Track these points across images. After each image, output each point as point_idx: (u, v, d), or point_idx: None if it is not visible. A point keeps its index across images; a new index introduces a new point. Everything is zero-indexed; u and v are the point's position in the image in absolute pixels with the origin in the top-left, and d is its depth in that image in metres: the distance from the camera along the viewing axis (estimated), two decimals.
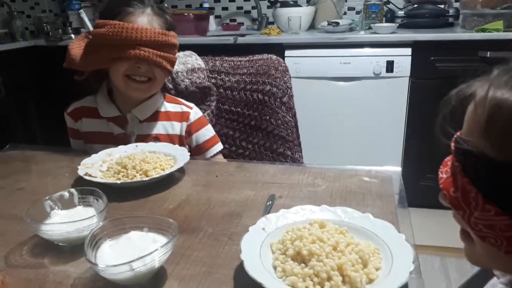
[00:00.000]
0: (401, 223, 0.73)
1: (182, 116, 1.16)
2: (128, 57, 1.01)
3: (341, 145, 2.32)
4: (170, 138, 1.14)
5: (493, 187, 0.41)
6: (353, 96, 2.25)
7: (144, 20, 1.03)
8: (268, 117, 1.33)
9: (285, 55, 2.26)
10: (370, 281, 0.56)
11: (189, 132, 1.17)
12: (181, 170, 0.97)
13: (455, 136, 0.47)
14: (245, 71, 1.35)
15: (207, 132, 1.18)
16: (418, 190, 2.35)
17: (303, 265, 0.58)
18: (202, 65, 1.36)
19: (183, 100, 1.20)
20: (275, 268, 0.60)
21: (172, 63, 1.09)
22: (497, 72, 0.44)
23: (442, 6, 2.43)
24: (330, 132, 2.32)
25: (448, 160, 0.50)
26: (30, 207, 0.71)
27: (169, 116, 1.16)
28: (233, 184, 0.91)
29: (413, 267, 0.56)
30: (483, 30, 2.10)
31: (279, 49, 2.24)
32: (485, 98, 0.42)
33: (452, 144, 0.47)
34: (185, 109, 1.17)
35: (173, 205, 0.83)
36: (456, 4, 2.59)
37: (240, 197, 0.85)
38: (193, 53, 1.38)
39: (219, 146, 1.20)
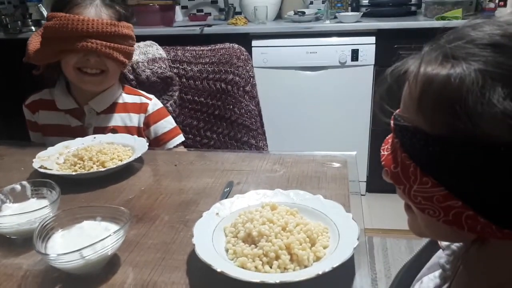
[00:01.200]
0: (354, 205, 0.75)
1: (141, 108, 1.15)
2: (76, 50, 1.00)
3: (308, 133, 2.35)
4: (128, 130, 1.13)
5: (428, 160, 0.43)
6: (319, 85, 2.28)
7: (92, 12, 1.01)
8: (231, 106, 1.34)
9: (252, 45, 2.26)
10: (318, 258, 0.58)
11: (147, 123, 1.16)
12: (140, 161, 0.96)
13: (394, 114, 0.49)
14: (208, 60, 1.34)
15: (167, 124, 1.18)
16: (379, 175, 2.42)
17: (253, 246, 0.59)
18: (164, 54, 1.35)
19: (143, 92, 1.19)
20: (227, 250, 0.61)
21: (127, 54, 1.07)
22: (427, 49, 0.45)
23: None
24: (297, 120, 2.35)
25: (389, 138, 0.52)
26: None
27: (127, 108, 1.15)
28: (192, 173, 0.91)
29: (357, 243, 0.58)
30: (443, 18, 2.17)
31: (246, 39, 2.24)
32: (417, 74, 0.43)
33: (392, 122, 0.49)
34: (144, 100, 1.16)
35: (130, 195, 0.83)
36: None
37: (198, 185, 0.85)
38: (153, 43, 1.37)
39: (179, 138, 1.19)
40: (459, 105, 0.38)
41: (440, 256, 0.59)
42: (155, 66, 1.31)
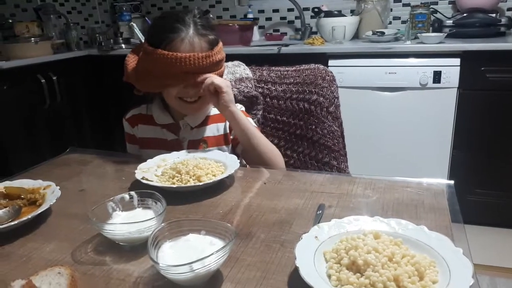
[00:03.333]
0: (457, 238, 0.71)
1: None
2: (175, 85, 1.07)
3: (386, 156, 2.28)
4: (216, 139, 1.19)
5: None
6: (398, 106, 2.22)
7: (187, 47, 1.05)
8: (314, 127, 1.34)
9: (329, 64, 2.26)
10: None
11: (231, 127, 1.21)
12: (230, 177, 0.99)
13: None
14: (292, 80, 1.36)
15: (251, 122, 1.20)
16: (465, 205, 2.27)
17: (358, 274, 0.58)
18: (250, 74, 1.39)
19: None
20: (329, 276, 0.60)
21: (220, 76, 1.12)
22: None
23: (494, 15, 2.35)
24: (375, 142, 2.29)
25: None
26: (94, 208, 0.76)
27: (214, 119, 1.21)
28: (282, 192, 0.92)
29: (472, 281, 0.55)
30: None
31: (322, 59, 2.25)
32: None
33: None
34: None
35: (224, 210, 0.86)
36: (509, 13, 2.50)
37: (289, 205, 0.86)
38: (241, 63, 1.42)
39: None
40: None
41: None
42: (242, 85, 1.36)
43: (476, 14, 2.36)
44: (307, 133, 1.36)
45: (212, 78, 1.06)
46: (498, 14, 2.39)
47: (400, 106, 2.21)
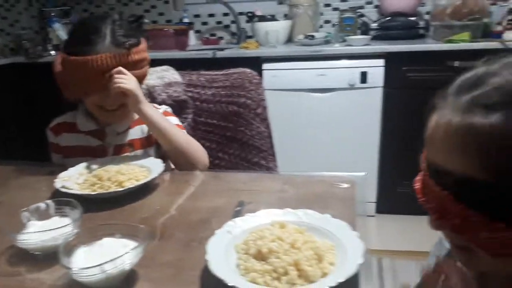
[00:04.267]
0: (360, 223, 0.78)
1: None
2: (93, 91, 1.05)
3: (318, 154, 2.38)
4: (142, 142, 1.18)
5: (495, 206, 0.43)
6: (329, 106, 2.33)
7: (100, 49, 1.03)
8: (243, 128, 1.38)
9: (263, 68, 2.32)
10: (324, 274, 0.61)
11: None
12: (156, 181, 1.01)
13: (435, 170, 0.48)
14: (221, 84, 1.40)
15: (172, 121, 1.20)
16: (395, 197, 2.43)
17: (263, 262, 0.63)
18: (179, 79, 1.41)
19: (154, 104, 1.24)
20: (238, 266, 0.64)
21: (140, 78, 1.10)
22: (452, 98, 0.46)
23: (413, 18, 2.53)
24: (307, 141, 2.38)
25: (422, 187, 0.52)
26: (8, 219, 0.74)
27: (138, 121, 1.19)
28: (206, 193, 0.95)
29: (362, 260, 0.61)
30: (451, 41, 2.21)
31: (257, 62, 2.31)
32: (453, 124, 0.44)
33: (433, 178, 0.49)
34: None
35: (147, 214, 0.87)
36: (427, 16, 2.70)
37: (211, 205, 0.89)
38: (170, 67, 1.43)
39: None
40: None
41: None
42: (170, 90, 1.37)
43: (398, 17, 2.53)
44: (236, 135, 1.40)
45: (118, 81, 1.03)
46: (418, 17, 2.58)
47: (331, 106, 2.32)
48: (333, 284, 0.56)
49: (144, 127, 1.20)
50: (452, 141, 0.45)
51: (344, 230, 0.70)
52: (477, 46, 2.13)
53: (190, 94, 1.41)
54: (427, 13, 2.73)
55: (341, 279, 0.57)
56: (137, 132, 1.20)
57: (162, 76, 1.39)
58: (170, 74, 1.41)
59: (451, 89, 0.48)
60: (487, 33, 2.40)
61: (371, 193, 2.40)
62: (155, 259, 0.71)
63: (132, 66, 1.07)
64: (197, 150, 1.14)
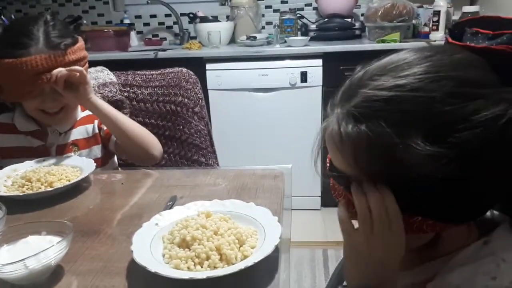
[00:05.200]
0: (284, 211, 0.83)
1: (93, 116, 1.20)
2: (31, 94, 1.04)
3: (261, 152, 2.44)
4: (87, 142, 1.19)
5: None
6: (272, 105, 2.39)
7: (32, 52, 1.00)
8: (181, 127, 1.40)
9: (207, 68, 2.35)
10: (245, 257, 0.65)
11: (100, 125, 1.21)
12: (88, 181, 1.01)
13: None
14: (157, 83, 1.41)
15: None
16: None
17: (187, 249, 0.66)
18: (114, 79, 1.40)
19: None
20: (164, 256, 0.67)
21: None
22: (339, 110, 0.52)
23: (349, 19, 2.66)
24: (251, 140, 2.44)
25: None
26: None
27: (82, 121, 1.20)
28: (138, 190, 0.97)
29: (278, 241, 0.65)
30: (383, 41, 2.35)
31: (200, 63, 2.33)
32: (341, 135, 0.50)
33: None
34: None
35: (78, 213, 0.87)
36: (362, 18, 2.85)
37: (143, 201, 0.91)
38: (104, 68, 1.42)
39: None
40: (389, 156, 0.47)
41: None
42: (105, 90, 1.36)
43: (335, 19, 2.65)
44: (175, 134, 1.42)
45: (76, 69, 1.02)
46: (353, 19, 2.71)
47: (274, 105, 2.39)
48: (251, 264, 0.60)
49: (89, 127, 1.20)
50: (336, 146, 0.52)
51: (266, 215, 0.75)
52: (407, 45, 2.28)
53: (126, 94, 1.41)
54: (363, 14, 2.87)
55: (258, 259, 0.61)
56: (81, 131, 1.20)
57: (97, 77, 1.38)
58: (105, 75, 1.40)
59: (335, 99, 0.54)
60: (415, 34, 2.59)
61: (316, 188, 2.50)
62: (83, 254, 0.72)
63: (70, 66, 1.05)
64: (151, 137, 1.15)
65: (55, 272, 0.67)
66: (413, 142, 0.45)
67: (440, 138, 0.45)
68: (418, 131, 0.45)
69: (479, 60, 0.50)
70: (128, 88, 1.42)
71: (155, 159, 1.15)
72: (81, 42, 1.12)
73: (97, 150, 1.20)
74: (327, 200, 2.52)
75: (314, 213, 2.54)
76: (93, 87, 1.34)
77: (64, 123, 1.17)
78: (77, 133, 1.19)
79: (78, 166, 1.03)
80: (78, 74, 1.03)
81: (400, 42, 2.35)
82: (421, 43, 2.31)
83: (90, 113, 1.21)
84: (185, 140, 1.41)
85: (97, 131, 1.22)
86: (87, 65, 1.15)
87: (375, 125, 0.47)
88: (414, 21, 2.53)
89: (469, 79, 0.47)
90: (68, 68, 1.02)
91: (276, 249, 0.66)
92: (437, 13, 2.35)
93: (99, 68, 1.41)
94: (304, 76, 2.35)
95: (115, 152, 1.24)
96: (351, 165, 0.51)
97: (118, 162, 1.33)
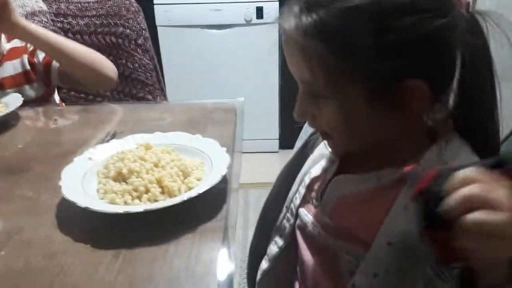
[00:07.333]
0: (236, 143, 0.78)
1: (21, 49, 1.07)
2: None
3: (217, 91, 2.35)
4: (15, 80, 1.04)
5: None
6: (226, 43, 2.27)
7: None
8: (124, 61, 1.28)
9: (154, 2, 2.17)
10: (190, 189, 0.60)
11: (32, 54, 1.07)
12: (17, 118, 0.90)
13: None
14: (94, 13, 1.27)
15: None
16: (296, 132, 2.53)
17: (124, 183, 0.59)
18: (44, 7, 1.24)
19: None
20: (98, 191, 0.60)
21: None
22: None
23: None
24: (204, 79, 2.33)
25: None
26: None
27: (10, 56, 1.06)
28: (73, 126, 0.88)
29: (226, 171, 0.60)
30: None
31: None
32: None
33: None
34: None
35: (5, 152, 0.78)
36: None
37: (78, 137, 0.82)
38: None
39: None
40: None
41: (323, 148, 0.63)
42: (35, 20, 1.21)
43: None
44: (117, 69, 1.29)
45: None
46: None
47: (228, 42, 2.27)
48: (194, 195, 0.55)
49: (16, 63, 1.05)
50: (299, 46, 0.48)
51: (214, 147, 0.69)
52: None
53: (59, 25, 1.26)
54: None
55: (203, 189, 0.56)
56: (8, 69, 1.05)
57: (23, 4, 1.21)
58: (33, 2, 1.23)
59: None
60: None
61: (273, 130, 2.46)
62: (10, 193, 0.64)
63: None
64: (101, 57, 1.03)
65: None
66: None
67: None
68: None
69: None
70: (62, 18, 1.26)
71: (110, 80, 1.02)
72: None
73: (28, 90, 1.06)
74: (284, 143, 2.51)
75: (272, 155, 2.53)
76: (20, 14, 1.18)
77: None
78: (3, 71, 1.04)
79: (3, 101, 0.91)
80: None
81: None
82: None
83: (17, 44, 1.07)
84: (128, 76, 1.30)
85: (28, 67, 1.08)
86: None
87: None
88: None
89: None
90: None
91: (225, 180, 0.61)
92: None
93: None
94: (260, 12, 2.23)
95: (60, 83, 1.10)
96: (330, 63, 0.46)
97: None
